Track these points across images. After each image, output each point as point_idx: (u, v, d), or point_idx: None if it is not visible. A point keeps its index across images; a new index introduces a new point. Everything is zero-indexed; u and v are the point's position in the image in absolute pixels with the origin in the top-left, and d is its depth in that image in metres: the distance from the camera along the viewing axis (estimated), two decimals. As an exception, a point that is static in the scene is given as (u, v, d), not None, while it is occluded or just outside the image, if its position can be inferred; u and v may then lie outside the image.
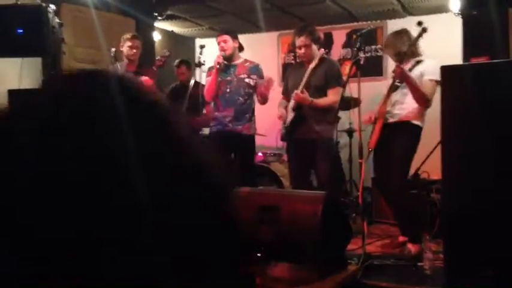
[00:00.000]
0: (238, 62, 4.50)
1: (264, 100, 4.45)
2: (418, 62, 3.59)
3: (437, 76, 3.25)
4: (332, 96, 3.97)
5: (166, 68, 5.61)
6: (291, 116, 4.14)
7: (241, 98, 4.41)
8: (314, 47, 4.11)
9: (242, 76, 4.43)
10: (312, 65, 4.04)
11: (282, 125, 4.29)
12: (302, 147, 4.11)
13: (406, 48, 3.58)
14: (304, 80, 4.03)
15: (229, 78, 4.44)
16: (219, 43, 4.45)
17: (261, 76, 4.48)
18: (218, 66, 4.35)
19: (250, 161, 4.61)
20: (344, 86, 3.79)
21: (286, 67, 6.82)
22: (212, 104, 4.62)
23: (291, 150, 4.34)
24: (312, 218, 2.76)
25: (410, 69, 3.54)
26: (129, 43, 4.53)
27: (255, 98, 4.52)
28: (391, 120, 3.59)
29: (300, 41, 4.08)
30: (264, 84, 4.39)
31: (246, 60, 4.54)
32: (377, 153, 3.64)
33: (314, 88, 4.05)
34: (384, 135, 3.53)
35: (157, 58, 4.67)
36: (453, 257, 2.82)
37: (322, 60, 4.11)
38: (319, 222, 2.74)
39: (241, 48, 4.57)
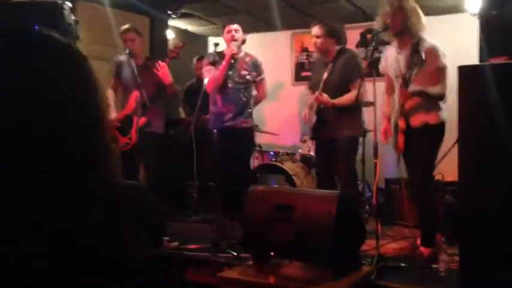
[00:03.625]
0: (240, 55, 4.40)
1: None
2: (419, 42, 3.41)
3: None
4: (354, 91, 3.85)
5: (182, 65, 5.61)
6: (314, 118, 4.09)
7: (241, 95, 4.35)
8: (329, 40, 4.02)
9: (243, 72, 4.35)
10: (329, 68, 3.98)
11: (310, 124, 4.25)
12: (326, 147, 4.06)
13: (414, 24, 3.41)
14: (324, 78, 3.98)
15: (230, 72, 4.32)
16: (229, 32, 4.29)
17: (259, 72, 4.43)
18: (232, 60, 4.23)
19: (247, 153, 4.55)
20: (363, 79, 3.70)
21: (299, 66, 6.81)
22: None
23: (317, 150, 4.31)
24: (326, 217, 2.75)
25: (414, 45, 3.39)
26: (122, 39, 4.52)
27: (254, 92, 4.50)
28: (410, 125, 3.51)
29: (313, 30, 4.04)
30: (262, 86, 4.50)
31: (246, 55, 4.44)
32: (405, 157, 3.58)
33: (333, 86, 3.97)
34: (407, 140, 3.47)
35: (170, 49, 4.59)
36: (468, 259, 2.79)
37: (339, 52, 4.02)
38: (333, 221, 2.73)
39: (243, 41, 4.45)
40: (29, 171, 0.46)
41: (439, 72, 3.40)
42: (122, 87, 4.62)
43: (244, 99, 4.36)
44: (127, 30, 4.50)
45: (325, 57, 4.12)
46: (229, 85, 4.32)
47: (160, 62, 4.31)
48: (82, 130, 0.51)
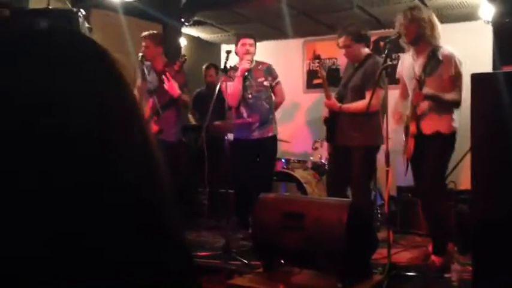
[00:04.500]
0: (252, 65, 4.47)
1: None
2: (436, 50, 3.35)
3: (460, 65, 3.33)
4: (366, 99, 3.75)
5: (193, 72, 5.64)
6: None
7: (264, 103, 4.43)
8: (357, 46, 3.95)
9: (260, 80, 4.43)
10: (354, 71, 3.97)
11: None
12: (340, 154, 4.01)
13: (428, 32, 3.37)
14: (344, 81, 3.97)
15: (247, 83, 4.41)
16: (244, 45, 4.36)
17: (274, 76, 4.51)
18: (247, 73, 4.34)
19: (272, 161, 4.65)
20: (381, 88, 3.61)
21: (311, 73, 6.81)
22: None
23: (332, 154, 4.27)
24: (336, 225, 2.74)
25: (431, 53, 3.33)
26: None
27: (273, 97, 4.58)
28: (422, 131, 3.47)
29: (341, 42, 4.00)
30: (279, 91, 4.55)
31: (258, 63, 4.52)
32: (413, 163, 3.53)
33: (351, 90, 3.94)
34: (417, 146, 3.43)
35: (172, 64, 4.63)
36: (482, 269, 2.75)
37: (365, 58, 3.98)
38: (344, 229, 2.71)
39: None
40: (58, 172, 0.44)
41: (455, 80, 3.36)
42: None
43: (267, 106, 4.46)
44: (143, 37, 4.59)
45: (356, 62, 4.07)
46: (250, 95, 4.42)
47: (167, 74, 4.36)
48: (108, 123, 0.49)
